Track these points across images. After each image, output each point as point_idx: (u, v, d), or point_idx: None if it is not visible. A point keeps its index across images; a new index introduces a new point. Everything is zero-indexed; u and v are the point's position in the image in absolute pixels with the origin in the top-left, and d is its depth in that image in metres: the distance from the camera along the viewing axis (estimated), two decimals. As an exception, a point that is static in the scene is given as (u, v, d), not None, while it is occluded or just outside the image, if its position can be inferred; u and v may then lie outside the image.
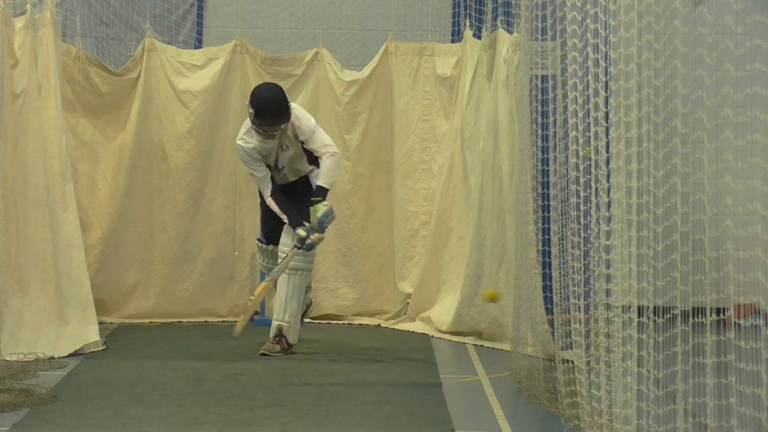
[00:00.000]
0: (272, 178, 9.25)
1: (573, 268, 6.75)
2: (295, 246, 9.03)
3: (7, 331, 8.65)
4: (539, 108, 8.38)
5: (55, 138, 9.27)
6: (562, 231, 7.27)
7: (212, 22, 11.53)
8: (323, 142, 9.13)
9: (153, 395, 7.71)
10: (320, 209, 8.98)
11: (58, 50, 9.51)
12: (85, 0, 10.92)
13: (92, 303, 9.28)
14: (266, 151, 9.19)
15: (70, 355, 8.85)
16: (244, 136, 9.17)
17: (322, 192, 9.05)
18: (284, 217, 9.15)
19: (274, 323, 9.24)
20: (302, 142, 9.18)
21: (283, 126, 9.03)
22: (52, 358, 8.72)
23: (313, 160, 9.27)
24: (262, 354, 9.15)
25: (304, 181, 9.31)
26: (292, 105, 9.19)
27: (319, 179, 9.09)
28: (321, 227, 9.00)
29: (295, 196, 9.24)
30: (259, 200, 9.53)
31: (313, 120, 9.23)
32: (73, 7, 10.54)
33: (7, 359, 8.40)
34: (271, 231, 9.45)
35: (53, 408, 7.27)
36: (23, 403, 7.31)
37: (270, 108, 8.97)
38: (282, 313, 9.19)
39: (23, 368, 8.31)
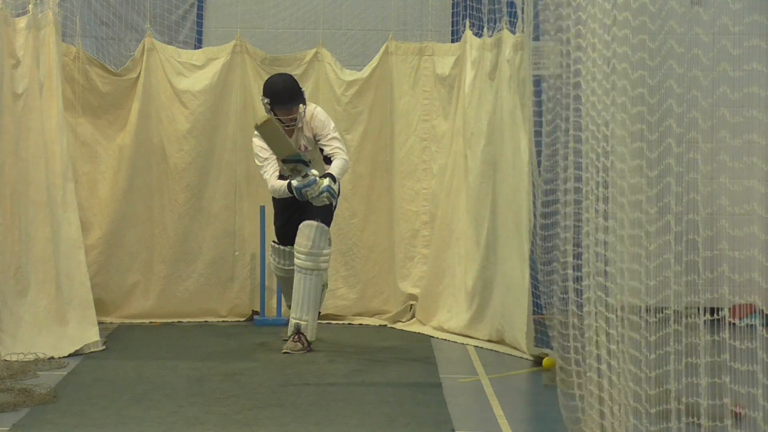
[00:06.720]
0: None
1: (576, 267, 6.76)
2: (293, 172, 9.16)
3: (8, 331, 8.67)
4: (543, 107, 8.37)
5: (56, 138, 9.29)
6: (574, 230, 7.26)
7: (212, 22, 11.52)
8: (338, 145, 9.37)
9: (153, 395, 7.72)
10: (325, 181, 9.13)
11: (59, 50, 9.53)
12: (85, 0, 10.92)
13: (92, 303, 9.29)
14: None
15: (70, 355, 8.86)
16: None
17: (330, 176, 9.18)
18: (286, 184, 9.25)
19: (292, 321, 9.41)
20: (319, 145, 9.37)
21: (296, 110, 9.27)
22: (52, 358, 8.73)
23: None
24: (285, 353, 9.28)
25: None
26: (314, 105, 9.52)
27: (331, 169, 9.26)
28: (327, 189, 9.13)
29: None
30: (260, 205, 9.48)
31: (333, 124, 9.48)
32: (73, 7, 10.53)
33: (7, 359, 8.41)
34: (284, 232, 9.63)
35: (53, 408, 7.29)
36: (23, 403, 7.32)
37: (283, 92, 9.29)
38: (299, 312, 9.37)
39: (23, 368, 8.31)
